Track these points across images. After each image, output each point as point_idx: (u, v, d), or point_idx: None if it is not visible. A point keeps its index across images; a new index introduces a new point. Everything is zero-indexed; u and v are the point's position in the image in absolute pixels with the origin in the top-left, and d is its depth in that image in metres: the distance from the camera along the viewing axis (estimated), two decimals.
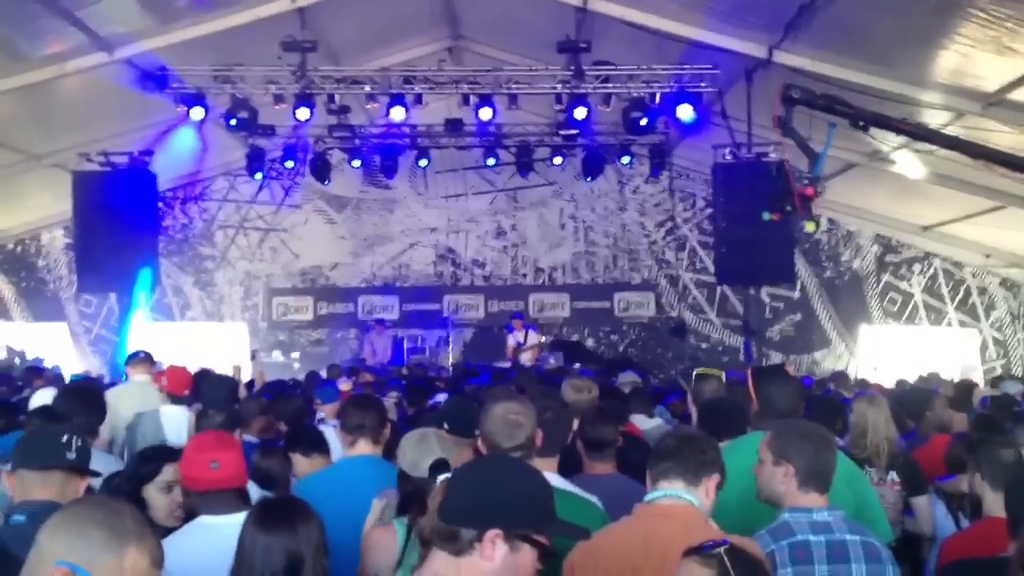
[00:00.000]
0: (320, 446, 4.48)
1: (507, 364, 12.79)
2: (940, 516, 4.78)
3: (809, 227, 8.99)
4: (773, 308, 16.80)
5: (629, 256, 17.41)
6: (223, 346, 14.22)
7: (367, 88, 11.97)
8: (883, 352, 15.33)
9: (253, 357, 12.91)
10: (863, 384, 10.64)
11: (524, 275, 17.53)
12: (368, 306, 16.98)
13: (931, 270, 16.70)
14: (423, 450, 3.24)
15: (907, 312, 16.77)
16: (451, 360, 14.91)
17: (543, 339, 14.45)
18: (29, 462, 2.97)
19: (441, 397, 6.89)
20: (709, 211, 16.10)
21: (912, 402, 6.03)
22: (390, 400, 6.82)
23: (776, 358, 15.63)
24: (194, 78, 11.68)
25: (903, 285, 16.80)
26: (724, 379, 5.23)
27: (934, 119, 10.14)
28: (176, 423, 5.46)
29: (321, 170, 15.05)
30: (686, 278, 17.26)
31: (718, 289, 16.78)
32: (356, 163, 15.27)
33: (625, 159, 15.11)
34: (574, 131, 14.09)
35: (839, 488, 3.15)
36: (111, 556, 1.82)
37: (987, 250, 15.51)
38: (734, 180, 12.65)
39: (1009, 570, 2.53)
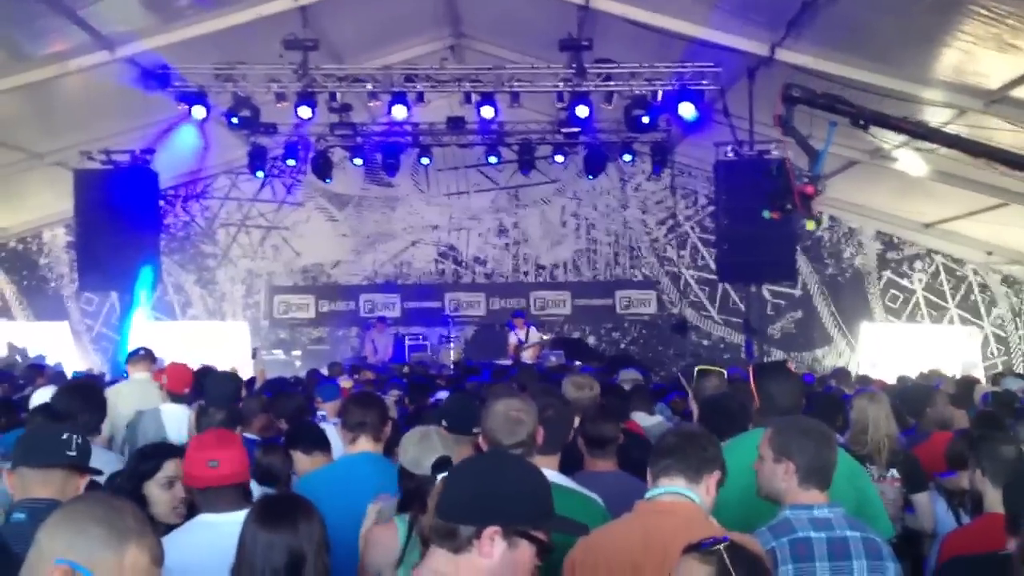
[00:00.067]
0: (321, 444, 4.46)
1: (508, 362, 12.76)
2: (941, 512, 4.78)
3: (809, 225, 9.01)
4: (774, 305, 16.77)
5: (631, 253, 17.39)
6: (224, 344, 14.22)
7: (369, 86, 11.99)
8: (884, 349, 15.28)
9: (254, 355, 12.89)
10: (864, 381, 10.61)
11: (525, 273, 17.52)
12: (369, 304, 16.98)
13: (932, 267, 16.66)
14: (425, 448, 3.23)
15: (908, 309, 16.73)
16: (452, 358, 14.91)
17: (544, 336, 14.44)
18: (30, 460, 2.98)
19: (442, 395, 6.88)
20: (711, 208, 16.06)
21: (913, 399, 6.01)
22: (391, 398, 6.84)
23: (777, 355, 15.65)
24: (196, 76, 11.71)
25: (904, 282, 16.77)
26: (726, 376, 5.22)
27: (936, 117, 10.13)
28: (177, 421, 5.46)
29: (323, 168, 15.07)
30: (687, 275, 17.24)
31: (719, 286, 16.76)
32: (358, 161, 15.31)
33: (627, 157, 15.11)
34: (576, 129, 14.12)
35: (840, 485, 3.14)
36: (111, 554, 1.81)
37: (989, 247, 15.47)
38: (736, 178, 12.65)
39: (1010, 566, 2.53)
